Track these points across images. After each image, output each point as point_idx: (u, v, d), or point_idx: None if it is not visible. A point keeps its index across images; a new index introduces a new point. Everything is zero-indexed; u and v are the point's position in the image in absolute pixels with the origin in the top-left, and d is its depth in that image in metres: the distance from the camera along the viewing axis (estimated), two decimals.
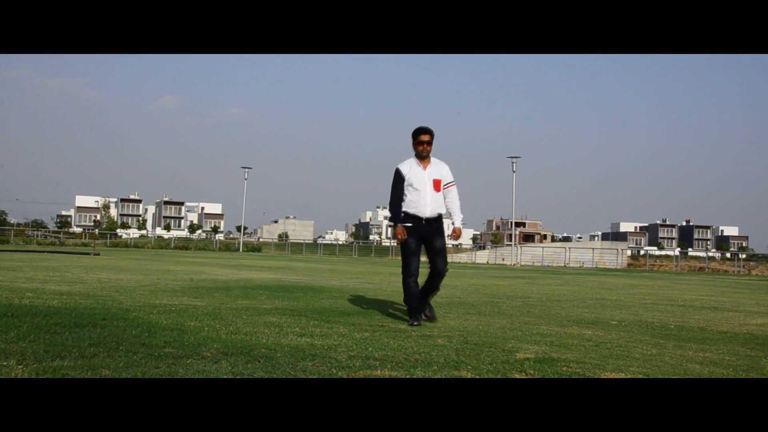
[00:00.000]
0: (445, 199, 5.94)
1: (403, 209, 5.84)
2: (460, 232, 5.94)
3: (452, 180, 6.00)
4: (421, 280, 5.98)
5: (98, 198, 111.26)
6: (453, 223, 5.99)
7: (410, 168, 5.87)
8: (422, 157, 5.85)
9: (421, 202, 5.79)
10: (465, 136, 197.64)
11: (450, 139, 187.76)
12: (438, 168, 5.92)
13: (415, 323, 5.63)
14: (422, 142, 5.81)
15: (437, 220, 5.90)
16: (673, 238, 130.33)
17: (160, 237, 72.56)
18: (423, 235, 5.82)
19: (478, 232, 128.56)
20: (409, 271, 5.81)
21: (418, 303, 5.81)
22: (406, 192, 5.84)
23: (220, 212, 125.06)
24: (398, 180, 5.88)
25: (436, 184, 5.87)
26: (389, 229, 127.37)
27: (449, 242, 5.97)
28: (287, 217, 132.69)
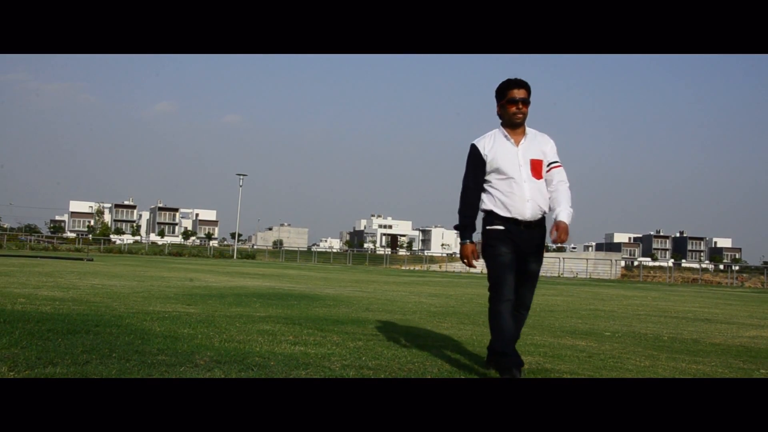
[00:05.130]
0: (547, 186, 3.90)
1: (488, 207, 3.86)
2: (567, 230, 3.79)
3: (558, 160, 3.97)
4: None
5: (92, 203, 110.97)
6: (556, 216, 3.84)
7: (494, 143, 3.88)
8: (514, 125, 3.85)
9: (517, 195, 3.79)
10: (460, 144, 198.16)
11: (446, 144, 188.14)
12: (537, 143, 3.91)
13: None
14: (514, 101, 3.81)
15: (540, 226, 3.89)
16: (667, 250, 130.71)
17: (154, 243, 72.34)
18: (519, 246, 3.82)
19: None
20: (501, 293, 3.77)
21: (512, 347, 3.79)
22: (489, 181, 3.87)
23: (214, 219, 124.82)
24: (475, 163, 3.90)
25: (536, 168, 3.85)
26: (384, 237, 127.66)
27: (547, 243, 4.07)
28: (282, 225, 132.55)
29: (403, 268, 45.72)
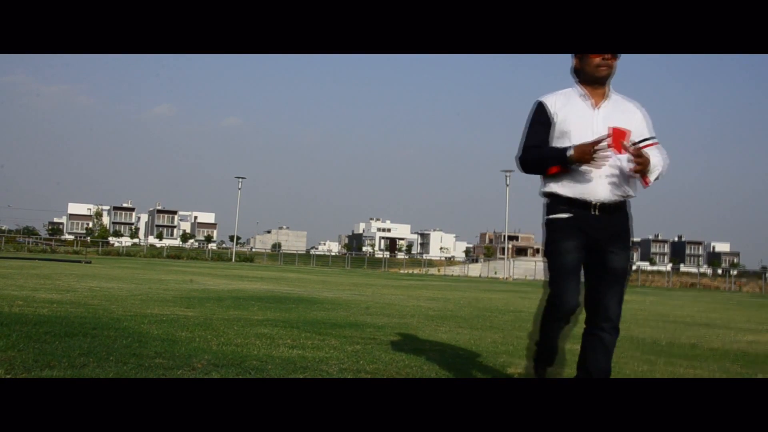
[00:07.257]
0: None
1: (550, 188, 3.06)
2: (649, 161, 2.97)
3: (653, 136, 3.11)
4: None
5: (91, 206, 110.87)
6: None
7: (567, 102, 3.05)
8: (596, 81, 3.01)
9: (588, 169, 2.94)
10: (459, 146, 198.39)
11: (446, 147, 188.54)
12: (623, 110, 3.06)
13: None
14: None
15: (620, 209, 3.05)
16: (665, 254, 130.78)
17: (152, 246, 72.37)
18: (591, 235, 2.98)
19: (471, 245, 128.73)
20: (560, 304, 3.04)
21: (552, 361, 3.34)
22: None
23: (213, 222, 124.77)
24: (540, 122, 3.06)
25: (618, 139, 2.95)
26: (382, 241, 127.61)
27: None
28: (280, 228, 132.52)
29: (401, 271, 45.73)
